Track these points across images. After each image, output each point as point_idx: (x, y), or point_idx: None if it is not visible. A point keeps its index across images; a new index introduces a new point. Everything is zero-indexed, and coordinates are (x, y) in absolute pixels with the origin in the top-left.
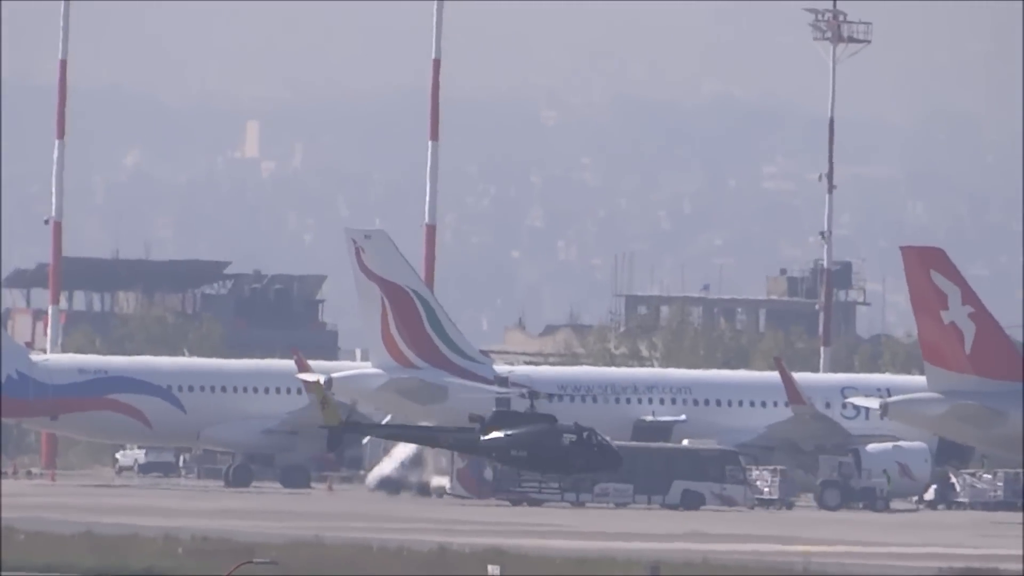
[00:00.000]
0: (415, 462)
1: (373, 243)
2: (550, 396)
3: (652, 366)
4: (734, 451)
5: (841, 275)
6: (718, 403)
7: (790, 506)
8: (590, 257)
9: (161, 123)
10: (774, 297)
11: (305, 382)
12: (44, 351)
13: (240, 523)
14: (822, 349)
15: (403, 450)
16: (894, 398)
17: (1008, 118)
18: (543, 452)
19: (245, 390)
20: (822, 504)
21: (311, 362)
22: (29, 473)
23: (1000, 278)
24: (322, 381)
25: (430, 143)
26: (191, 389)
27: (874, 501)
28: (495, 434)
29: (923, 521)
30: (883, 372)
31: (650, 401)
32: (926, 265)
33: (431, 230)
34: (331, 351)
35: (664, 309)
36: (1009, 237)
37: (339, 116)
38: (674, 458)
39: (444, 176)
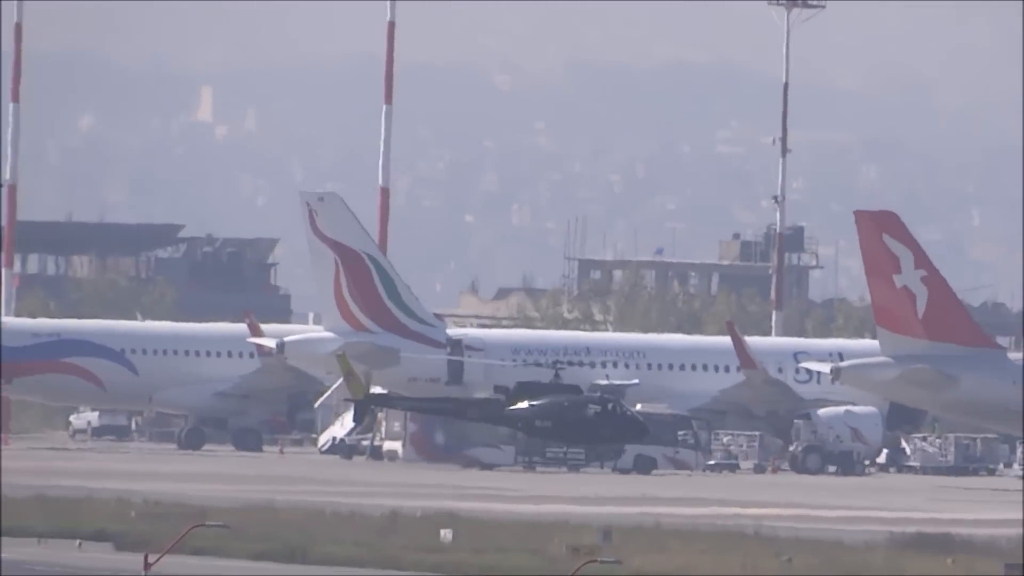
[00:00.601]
0: (368, 426)
1: (326, 206)
2: (557, 364)
3: (605, 330)
4: (686, 415)
5: (794, 239)
6: (671, 367)
7: (734, 469)
8: (543, 221)
9: (115, 87)
10: (727, 261)
11: (337, 357)
12: None
13: (192, 486)
14: (774, 313)
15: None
16: (846, 362)
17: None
18: (568, 422)
19: (198, 353)
20: (802, 468)
21: (264, 326)
22: None
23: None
24: (276, 344)
25: (384, 107)
26: (144, 352)
27: (852, 466)
28: (520, 405)
29: (875, 485)
30: (835, 336)
31: (603, 365)
32: (879, 229)
33: (384, 193)
34: (284, 315)
35: (617, 273)
36: (962, 201)
37: (293, 80)
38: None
39: (397, 140)
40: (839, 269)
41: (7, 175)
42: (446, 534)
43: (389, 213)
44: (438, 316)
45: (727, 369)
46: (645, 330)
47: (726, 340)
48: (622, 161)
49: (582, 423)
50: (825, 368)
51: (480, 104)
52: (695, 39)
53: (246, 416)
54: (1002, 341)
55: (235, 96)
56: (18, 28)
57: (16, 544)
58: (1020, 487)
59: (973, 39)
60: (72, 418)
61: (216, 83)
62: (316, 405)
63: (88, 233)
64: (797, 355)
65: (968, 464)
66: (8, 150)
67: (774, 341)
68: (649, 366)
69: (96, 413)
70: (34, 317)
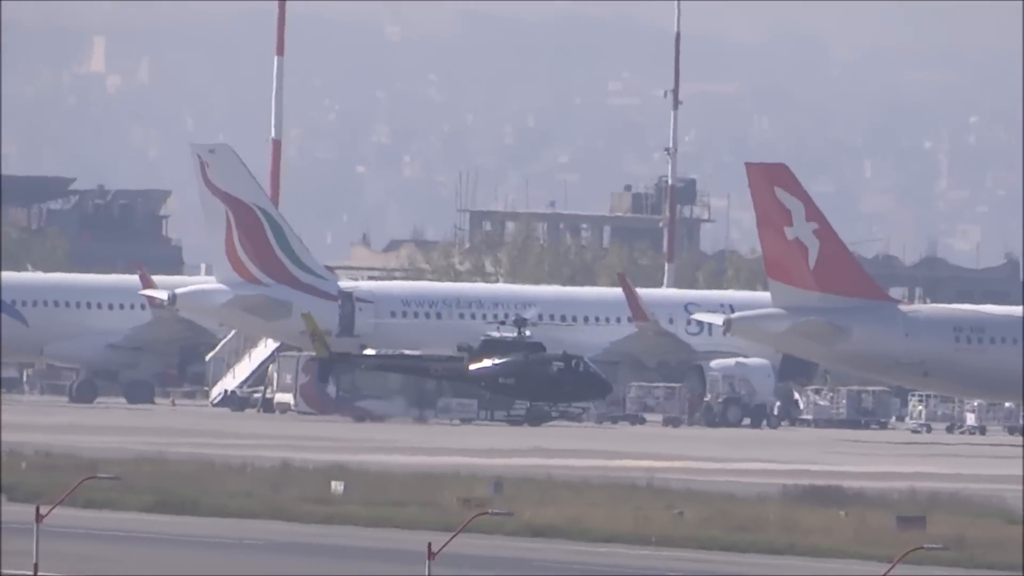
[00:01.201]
0: (259, 379)
1: (218, 158)
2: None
3: (497, 282)
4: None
5: (686, 191)
6: (563, 319)
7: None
8: (435, 173)
9: (5, 38)
10: (619, 213)
11: (303, 315)
12: None
13: (84, 438)
14: (666, 265)
15: (246, 366)
16: (738, 314)
17: (852, 35)
18: (531, 380)
19: (89, 305)
20: (720, 421)
21: (156, 278)
22: None
23: (844, 194)
24: (167, 296)
25: (275, 58)
26: (35, 304)
27: (767, 418)
28: (484, 363)
29: (767, 438)
30: (727, 288)
31: (495, 317)
32: (770, 181)
33: (276, 145)
34: (175, 266)
35: (509, 225)
36: (852, 153)
37: (185, 31)
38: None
39: (289, 91)
40: (731, 221)
41: None
42: (337, 486)
43: (281, 165)
44: (330, 268)
45: (619, 320)
46: (537, 282)
47: (618, 292)
48: (514, 113)
49: (545, 380)
50: (717, 320)
51: (372, 55)
52: None
53: (138, 368)
54: (894, 293)
55: (128, 47)
56: None
57: None
58: (911, 440)
59: None
60: None
61: (108, 34)
62: (208, 357)
63: None
64: (688, 307)
65: (860, 417)
66: None
67: (666, 293)
68: (541, 317)
69: None
70: None
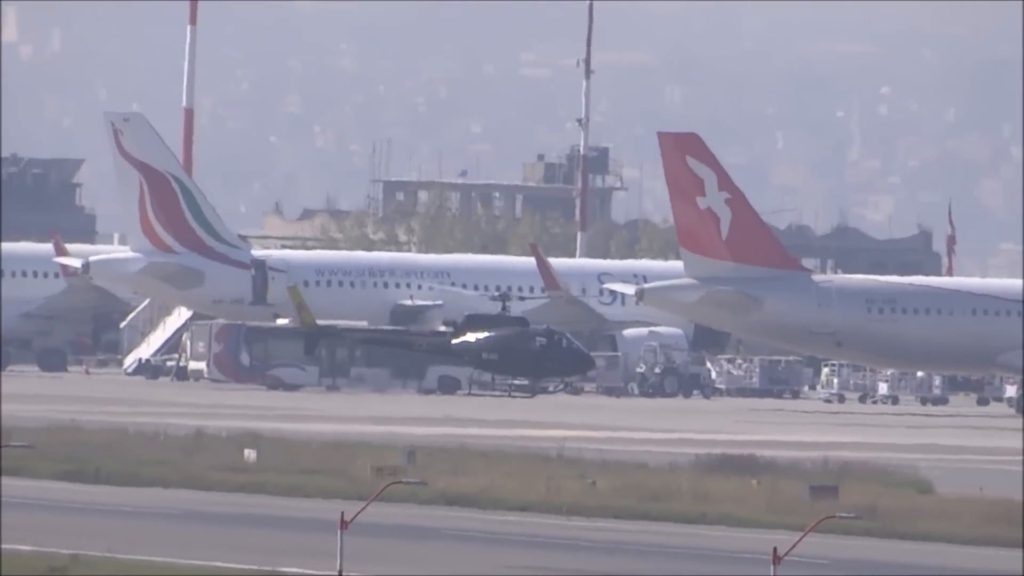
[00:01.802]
0: (172, 347)
1: (131, 127)
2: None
3: (410, 251)
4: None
5: (598, 161)
6: (475, 288)
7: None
8: (348, 143)
9: None
10: (531, 183)
11: (289, 289)
12: None
13: None
14: (579, 235)
15: (160, 335)
16: (650, 284)
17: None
18: (514, 355)
19: (2, 273)
20: (656, 392)
21: (69, 246)
22: None
23: (756, 165)
24: (81, 264)
25: (188, 27)
26: None
27: (701, 388)
28: (467, 337)
29: (680, 407)
30: (639, 258)
31: (408, 286)
32: (682, 151)
33: (189, 114)
34: (89, 235)
35: (422, 195)
36: (764, 124)
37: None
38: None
39: (202, 61)
40: (643, 191)
41: None
42: (250, 454)
43: (193, 134)
44: (243, 237)
45: (531, 289)
46: (450, 251)
47: (530, 261)
48: (426, 83)
49: (528, 355)
50: (629, 289)
51: (284, 26)
52: None
53: (51, 336)
54: (806, 263)
55: (40, 16)
56: None
57: None
58: (824, 409)
59: None
60: None
61: (20, 3)
62: (122, 326)
63: None
64: (601, 276)
65: (773, 386)
66: None
67: (578, 262)
68: (454, 287)
69: None
70: None
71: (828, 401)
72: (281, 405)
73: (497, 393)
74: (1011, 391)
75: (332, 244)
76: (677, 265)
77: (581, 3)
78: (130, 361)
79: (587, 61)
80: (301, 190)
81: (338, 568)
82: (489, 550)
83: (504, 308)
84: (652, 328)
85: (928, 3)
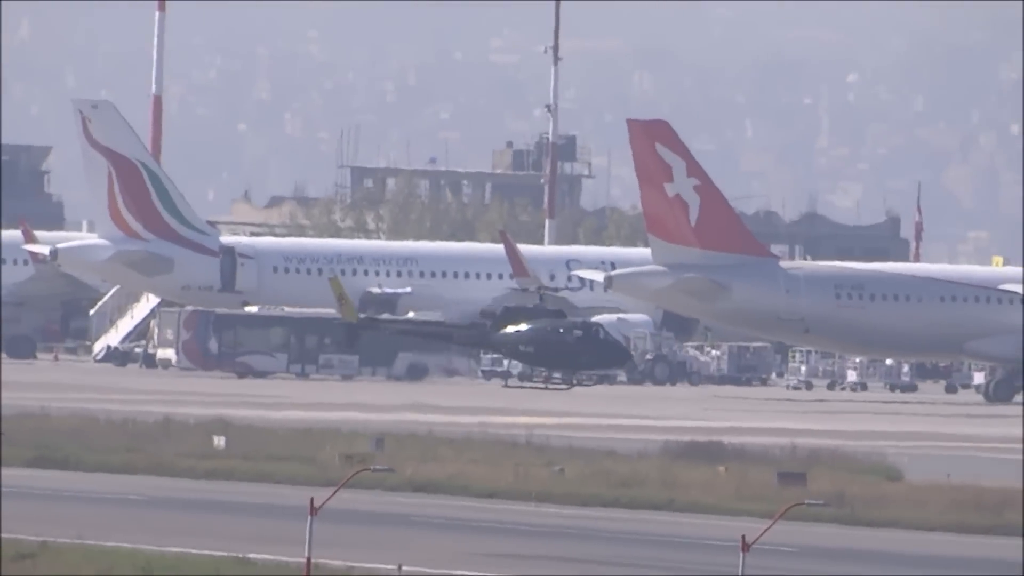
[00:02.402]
0: (141, 334)
1: (100, 114)
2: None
3: (378, 238)
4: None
5: (567, 148)
6: (444, 275)
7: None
8: (316, 130)
9: None
10: (500, 170)
11: (331, 280)
12: None
13: None
14: (547, 222)
15: (129, 322)
16: (618, 271)
17: None
18: (550, 348)
19: None
20: (648, 378)
21: (37, 233)
22: None
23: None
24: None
25: (157, 13)
26: None
27: (688, 375)
28: (505, 330)
29: (648, 394)
30: (608, 245)
31: (376, 273)
32: (651, 138)
33: (157, 101)
34: (57, 222)
35: (391, 182)
36: (734, 111)
37: None
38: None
39: (171, 48)
40: (612, 178)
41: None
42: (219, 441)
43: (162, 121)
44: (211, 224)
45: (500, 276)
46: (418, 238)
47: (499, 248)
48: (395, 70)
49: (565, 348)
50: (598, 276)
51: (253, 13)
52: None
53: (19, 323)
54: (774, 250)
55: (8, 4)
56: None
57: None
58: (792, 396)
59: None
60: None
61: None
62: (91, 313)
63: None
64: (570, 263)
65: (741, 373)
66: None
67: (547, 249)
68: (422, 274)
69: None
70: None
71: (795, 388)
72: (250, 392)
73: (534, 385)
74: (979, 378)
75: (300, 231)
76: (645, 252)
77: None
78: (99, 348)
79: (555, 48)
80: (270, 177)
81: (307, 554)
82: (457, 536)
83: (541, 300)
84: (620, 315)
85: None
